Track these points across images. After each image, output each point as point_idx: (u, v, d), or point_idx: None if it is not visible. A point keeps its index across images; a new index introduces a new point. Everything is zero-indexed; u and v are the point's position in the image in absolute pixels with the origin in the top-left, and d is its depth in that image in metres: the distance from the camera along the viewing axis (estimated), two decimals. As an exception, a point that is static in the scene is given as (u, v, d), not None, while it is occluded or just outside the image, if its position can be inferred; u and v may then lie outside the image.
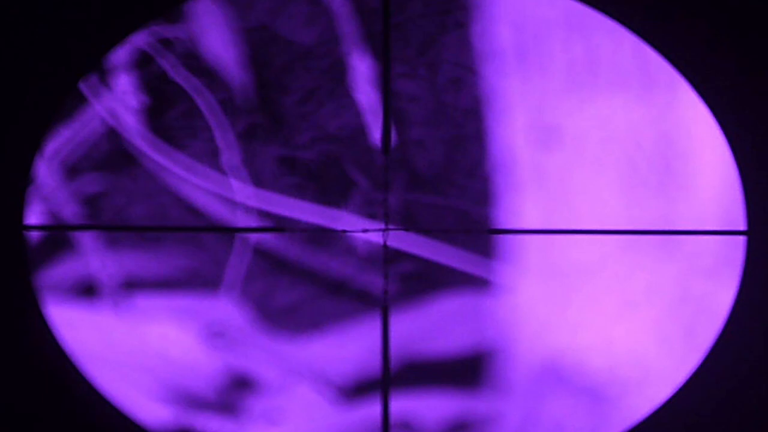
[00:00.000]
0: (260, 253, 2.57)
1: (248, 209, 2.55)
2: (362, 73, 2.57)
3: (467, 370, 2.57)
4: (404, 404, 2.57)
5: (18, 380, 2.52)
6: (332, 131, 2.57)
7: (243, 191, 2.55)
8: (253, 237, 2.55)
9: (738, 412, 2.52)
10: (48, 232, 2.57)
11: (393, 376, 2.57)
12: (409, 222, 2.57)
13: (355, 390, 2.59)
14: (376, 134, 2.57)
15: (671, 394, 2.54)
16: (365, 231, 2.57)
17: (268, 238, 2.54)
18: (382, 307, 2.57)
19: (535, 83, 2.56)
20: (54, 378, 2.54)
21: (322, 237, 2.56)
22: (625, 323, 2.55)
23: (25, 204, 2.55)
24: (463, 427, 2.57)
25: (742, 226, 2.55)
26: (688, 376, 2.53)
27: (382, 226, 2.58)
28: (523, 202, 2.56)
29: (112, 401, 2.55)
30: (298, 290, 2.57)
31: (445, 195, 2.57)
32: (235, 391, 2.57)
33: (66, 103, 2.56)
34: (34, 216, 2.57)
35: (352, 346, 2.57)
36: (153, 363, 2.55)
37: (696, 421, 2.53)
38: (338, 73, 2.57)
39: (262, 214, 2.56)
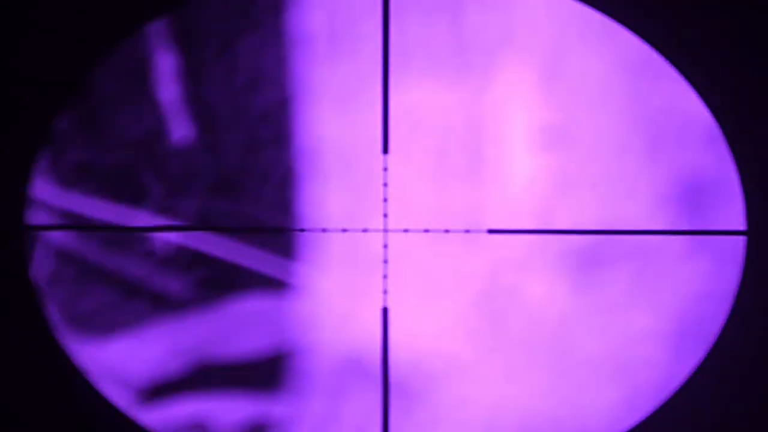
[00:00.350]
0: (63, 255, 2.57)
1: (50, 208, 2.56)
2: (165, 70, 2.57)
3: (264, 372, 2.57)
4: (199, 406, 2.57)
5: (18, 380, 2.53)
6: (130, 136, 2.57)
7: (45, 191, 2.56)
8: (56, 239, 2.56)
9: (738, 412, 2.52)
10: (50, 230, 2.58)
11: (187, 378, 2.57)
12: (208, 223, 2.58)
13: (154, 391, 2.59)
14: (176, 134, 2.57)
15: (671, 394, 2.54)
16: (365, 231, 2.58)
17: (70, 241, 2.56)
18: (383, 308, 2.57)
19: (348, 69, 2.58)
20: (54, 377, 2.54)
21: (122, 238, 2.57)
22: (431, 315, 2.56)
23: (25, 204, 2.56)
24: (261, 429, 2.57)
25: (742, 226, 2.55)
26: (688, 376, 2.53)
27: (382, 227, 2.58)
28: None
29: (112, 401, 2.56)
30: (98, 293, 2.57)
31: (240, 200, 2.58)
32: None
33: (65, 102, 2.57)
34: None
35: (149, 348, 2.58)
36: None
37: (696, 421, 2.53)
38: (141, 73, 2.58)
39: (64, 213, 2.56)
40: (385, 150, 2.58)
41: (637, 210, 2.57)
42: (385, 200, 2.58)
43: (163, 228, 2.58)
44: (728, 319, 2.53)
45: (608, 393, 2.57)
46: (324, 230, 2.58)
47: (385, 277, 2.57)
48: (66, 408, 2.54)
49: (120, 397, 2.56)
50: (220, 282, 2.57)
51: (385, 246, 2.57)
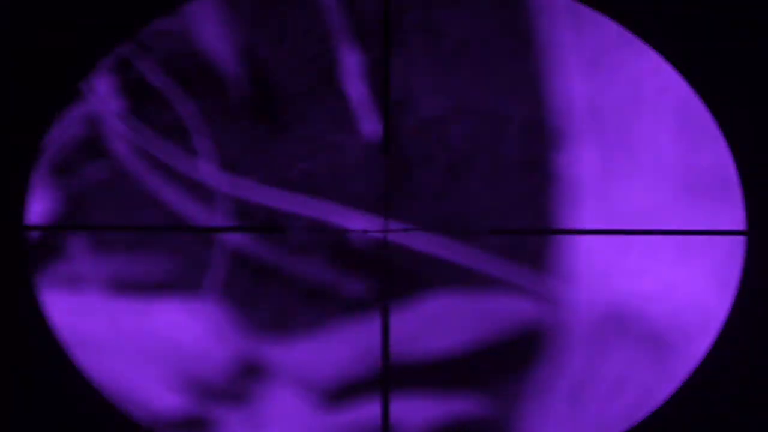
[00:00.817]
0: (240, 257, 2.57)
1: (228, 208, 2.55)
2: (352, 68, 2.57)
3: (463, 370, 2.57)
4: (403, 405, 2.57)
5: (18, 380, 2.52)
6: (327, 137, 2.57)
7: (222, 183, 2.56)
8: (232, 240, 2.55)
9: (738, 412, 2.52)
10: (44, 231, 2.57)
11: (374, 379, 2.57)
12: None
13: (341, 394, 2.58)
14: (367, 127, 2.57)
15: (671, 394, 2.54)
16: (366, 232, 2.57)
17: (248, 243, 2.54)
18: (383, 307, 2.57)
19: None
20: (54, 377, 2.54)
21: (309, 240, 2.56)
22: (684, 269, 2.55)
23: (25, 204, 2.55)
24: (464, 429, 2.57)
25: (742, 226, 2.56)
26: (688, 376, 2.53)
27: (383, 226, 2.57)
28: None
29: (111, 399, 2.55)
30: (280, 294, 2.57)
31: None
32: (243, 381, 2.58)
33: (65, 102, 2.57)
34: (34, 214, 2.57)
35: (336, 350, 2.57)
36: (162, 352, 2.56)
37: (696, 421, 2.53)
38: (328, 72, 2.58)
39: (242, 209, 2.56)
40: (385, 149, 2.57)
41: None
42: (386, 200, 2.58)
43: (173, 228, 2.58)
44: (728, 319, 2.53)
45: None
46: (324, 231, 2.57)
47: (385, 276, 2.57)
48: (65, 407, 2.54)
49: (304, 400, 2.55)
50: (412, 279, 2.56)
51: (387, 246, 2.57)
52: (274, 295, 2.56)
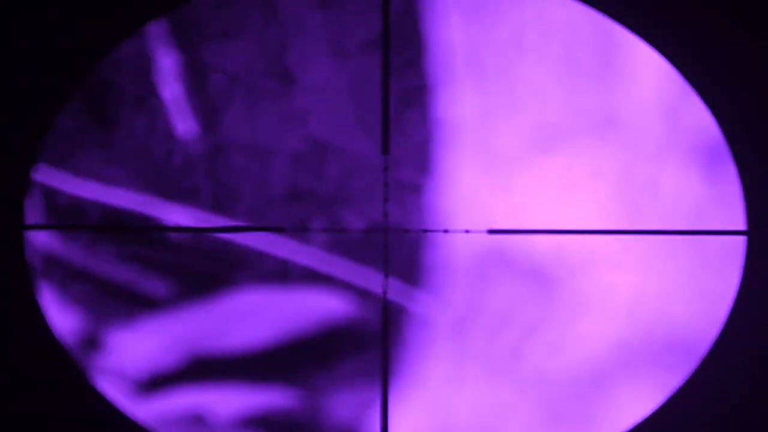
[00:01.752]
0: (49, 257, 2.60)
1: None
2: (167, 69, 2.59)
3: (266, 363, 2.58)
4: (197, 398, 2.59)
5: (17, 380, 2.53)
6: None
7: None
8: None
9: (738, 412, 2.52)
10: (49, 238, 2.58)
11: (183, 371, 2.58)
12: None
13: (150, 384, 2.60)
14: (181, 126, 2.59)
15: (672, 394, 2.54)
16: (366, 231, 2.58)
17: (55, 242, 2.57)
18: (383, 307, 2.57)
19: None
20: (53, 377, 2.54)
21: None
22: (570, 204, 2.55)
23: (25, 204, 2.56)
24: (264, 421, 2.59)
25: (742, 226, 2.55)
26: (688, 376, 2.53)
27: (383, 226, 2.58)
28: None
29: (111, 400, 2.56)
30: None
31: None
32: None
33: (65, 101, 2.58)
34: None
35: (143, 342, 2.59)
36: None
37: (696, 421, 2.53)
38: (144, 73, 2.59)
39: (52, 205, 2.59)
40: (386, 150, 2.58)
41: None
42: (385, 200, 2.58)
43: (166, 228, 2.59)
44: (728, 319, 2.53)
45: None
46: (325, 230, 2.58)
47: (386, 276, 2.58)
48: (65, 407, 2.54)
49: (117, 391, 2.57)
50: (212, 278, 2.59)
51: (386, 246, 2.58)
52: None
